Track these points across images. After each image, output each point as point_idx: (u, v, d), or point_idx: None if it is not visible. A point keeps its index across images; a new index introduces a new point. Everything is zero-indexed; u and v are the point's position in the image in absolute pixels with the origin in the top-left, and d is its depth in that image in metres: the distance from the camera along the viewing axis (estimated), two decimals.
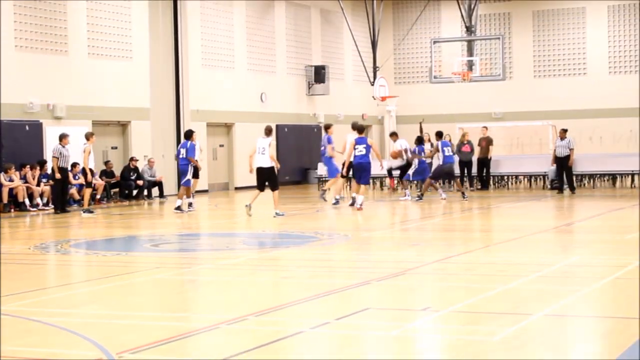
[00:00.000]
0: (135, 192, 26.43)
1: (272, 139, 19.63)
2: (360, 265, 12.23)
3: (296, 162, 33.99)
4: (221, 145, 31.93)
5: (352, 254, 13.48)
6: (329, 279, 10.86)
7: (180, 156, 21.78)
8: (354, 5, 37.46)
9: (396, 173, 26.21)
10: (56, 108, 24.90)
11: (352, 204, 21.21)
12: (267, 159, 19.30)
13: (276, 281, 10.88)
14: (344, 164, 21.70)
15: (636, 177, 28.05)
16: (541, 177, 29.04)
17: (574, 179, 26.09)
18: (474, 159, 28.31)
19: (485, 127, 29.38)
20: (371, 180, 26.76)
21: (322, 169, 30.35)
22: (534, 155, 33.12)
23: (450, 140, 27.16)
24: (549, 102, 37.19)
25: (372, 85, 35.61)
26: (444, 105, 38.43)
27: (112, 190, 26.06)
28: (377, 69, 36.03)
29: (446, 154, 23.58)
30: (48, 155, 23.31)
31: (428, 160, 24.24)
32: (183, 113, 29.56)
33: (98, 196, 24.85)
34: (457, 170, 27.45)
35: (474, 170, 28.38)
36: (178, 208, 21.25)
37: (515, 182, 30.77)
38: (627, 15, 36.82)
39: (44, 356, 6.94)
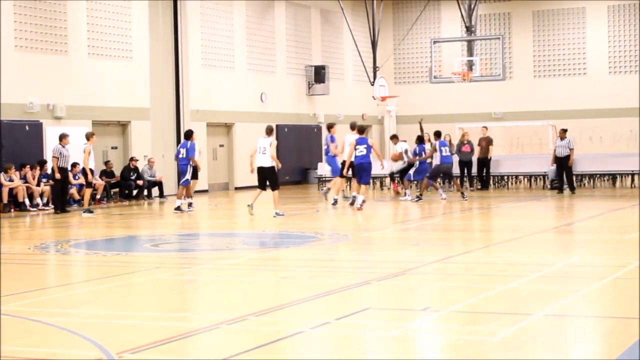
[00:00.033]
0: (135, 192, 26.43)
1: (273, 138, 19.63)
2: (360, 265, 12.23)
3: (296, 162, 33.99)
4: (221, 145, 31.93)
5: (352, 254, 13.48)
6: (329, 279, 10.86)
7: (180, 156, 21.77)
8: (354, 5, 37.46)
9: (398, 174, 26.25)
10: (56, 108, 24.90)
11: (352, 203, 21.22)
12: (268, 158, 19.31)
13: (276, 281, 10.88)
14: (343, 164, 21.71)
15: (636, 177, 28.05)
16: (541, 177, 29.04)
17: (574, 179, 26.10)
18: (474, 159, 28.31)
19: (485, 127, 29.38)
20: (371, 180, 26.76)
21: (321, 169, 30.44)
22: (534, 155, 33.12)
23: (450, 141, 27.19)
24: (549, 102, 37.20)
25: (372, 85, 35.61)
26: (444, 105, 38.44)
27: (112, 190, 26.06)
28: (377, 69, 36.04)
29: (444, 153, 23.58)
30: (48, 155, 23.31)
31: (428, 160, 24.24)
32: (183, 113, 29.56)
33: (98, 196, 24.85)
34: (457, 170, 27.49)
35: (474, 170, 28.38)
36: (178, 208, 21.24)
37: (515, 182, 30.77)
38: (627, 15, 36.82)
39: (44, 356, 6.94)
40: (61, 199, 22.14)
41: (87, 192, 21.69)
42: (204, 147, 29.29)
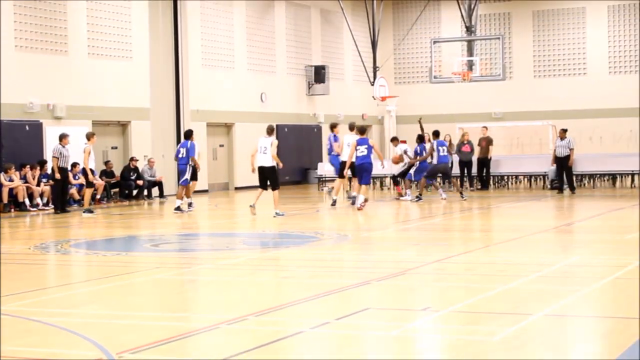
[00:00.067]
0: (135, 192, 26.43)
1: (274, 138, 19.64)
2: (360, 265, 12.23)
3: (296, 162, 33.98)
4: (221, 145, 31.93)
5: (352, 254, 13.49)
6: (329, 279, 10.86)
7: (180, 155, 21.75)
8: (354, 5, 37.46)
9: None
10: (56, 108, 24.90)
11: (354, 203, 21.24)
12: (269, 158, 19.33)
13: (276, 281, 10.88)
14: (342, 165, 21.70)
15: (636, 177, 28.05)
16: (541, 177, 29.04)
17: (574, 179, 26.10)
18: (474, 159, 28.31)
19: (485, 127, 29.38)
20: (371, 181, 26.76)
21: (321, 169, 30.44)
22: (534, 155, 33.12)
23: (450, 141, 27.18)
24: (549, 102, 37.20)
25: (372, 85, 35.61)
26: (443, 105, 38.44)
27: (112, 190, 26.06)
28: (377, 69, 36.04)
29: (441, 153, 23.59)
30: (48, 155, 23.31)
31: (428, 160, 24.24)
32: (183, 113, 29.56)
33: (98, 196, 24.84)
34: (457, 170, 27.51)
35: (474, 170, 28.38)
36: (178, 208, 21.24)
37: (515, 182, 30.77)
38: (627, 15, 36.83)
39: (44, 356, 6.93)
40: (61, 199, 22.14)
41: (88, 192, 21.68)
42: (203, 147, 29.30)
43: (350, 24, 35.77)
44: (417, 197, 23.28)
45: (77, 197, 23.89)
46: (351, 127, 22.37)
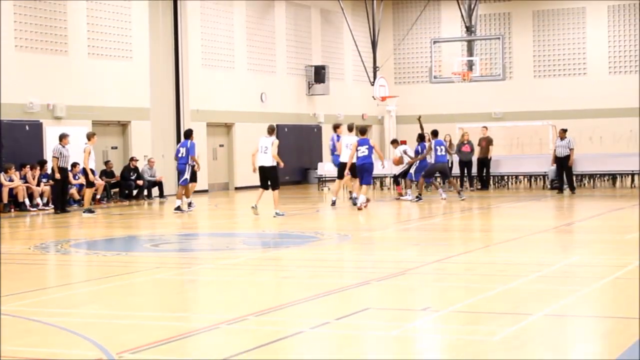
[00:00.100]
0: (135, 192, 26.43)
1: (275, 138, 19.64)
2: (360, 265, 12.23)
3: (296, 162, 33.97)
4: (221, 145, 31.93)
5: (352, 254, 13.49)
6: (329, 279, 10.86)
7: (180, 155, 21.74)
8: (354, 5, 37.46)
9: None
10: (56, 108, 24.90)
11: (355, 203, 21.26)
12: (270, 157, 19.34)
13: (276, 281, 10.88)
14: (343, 165, 21.68)
15: (636, 177, 28.05)
16: (541, 177, 29.04)
17: (574, 179, 26.10)
18: (474, 159, 28.31)
19: (485, 127, 29.37)
20: (372, 181, 26.77)
21: (321, 169, 30.46)
22: (534, 155, 33.12)
23: (450, 141, 27.16)
24: (549, 102, 37.20)
25: (372, 85, 35.61)
26: (443, 105, 38.44)
27: (112, 190, 26.06)
28: (377, 69, 36.04)
29: (439, 153, 23.59)
30: (48, 155, 23.31)
31: (427, 159, 24.24)
32: (183, 113, 29.56)
33: (98, 196, 24.84)
34: (457, 170, 27.51)
35: (474, 170, 28.38)
36: (178, 208, 21.24)
37: (515, 182, 30.77)
38: (627, 15, 36.83)
39: (44, 356, 6.93)
40: (61, 199, 22.14)
41: (88, 192, 21.67)
42: (203, 147, 29.31)
43: (350, 24, 35.77)
44: (417, 197, 23.29)
45: (77, 197, 23.89)
46: (350, 128, 22.38)
